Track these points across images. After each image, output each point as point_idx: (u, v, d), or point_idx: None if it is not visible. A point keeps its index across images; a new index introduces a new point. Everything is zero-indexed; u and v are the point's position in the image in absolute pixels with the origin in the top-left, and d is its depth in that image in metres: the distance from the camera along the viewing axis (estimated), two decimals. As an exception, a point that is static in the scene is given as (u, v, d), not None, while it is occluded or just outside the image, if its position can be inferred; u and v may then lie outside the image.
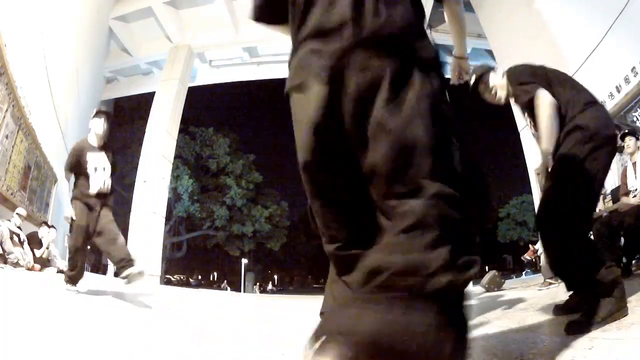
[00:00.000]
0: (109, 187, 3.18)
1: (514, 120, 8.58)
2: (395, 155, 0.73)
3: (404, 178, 0.73)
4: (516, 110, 8.46)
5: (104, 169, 3.15)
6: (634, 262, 3.26)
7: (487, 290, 4.52)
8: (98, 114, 3.26)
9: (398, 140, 0.73)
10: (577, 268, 1.60)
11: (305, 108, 0.79)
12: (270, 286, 34.20)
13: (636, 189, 3.26)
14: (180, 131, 12.33)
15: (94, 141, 3.21)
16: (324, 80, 0.76)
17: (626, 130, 3.56)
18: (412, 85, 0.76)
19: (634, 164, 3.38)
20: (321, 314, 1.18)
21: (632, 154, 3.43)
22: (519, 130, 8.34)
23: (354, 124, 0.76)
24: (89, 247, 3.27)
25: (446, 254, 0.67)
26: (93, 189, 3.07)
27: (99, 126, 3.20)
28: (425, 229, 0.68)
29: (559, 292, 3.23)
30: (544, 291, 3.57)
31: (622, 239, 3.20)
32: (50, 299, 2.81)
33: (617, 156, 3.70)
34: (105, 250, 3.03)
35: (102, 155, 3.19)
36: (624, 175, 3.48)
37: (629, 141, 3.44)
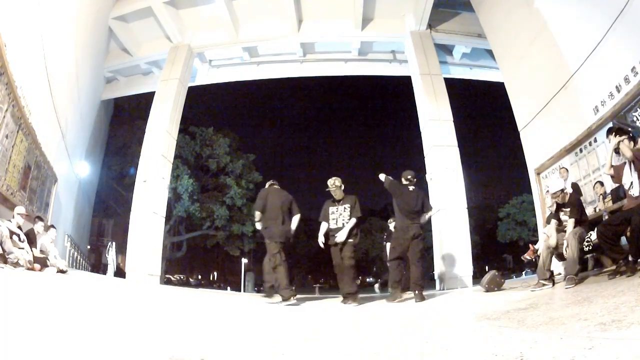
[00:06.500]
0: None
1: (514, 120, 8.57)
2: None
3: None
4: (517, 110, 8.49)
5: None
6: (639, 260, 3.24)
7: (487, 290, 4.53)
8: None
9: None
10: None
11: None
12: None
13: (633, 187, 3.28)
14: (180, 131, 12.32)
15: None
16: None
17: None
18: None
19: (632, 162, 3.38)
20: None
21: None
22: (519, 130, 8.32)
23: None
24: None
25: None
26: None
27: None
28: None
29: (555, 292, 3.23)
30: (544, 291, 3.58)
31: (627, 239, 3.19)
32: (48, 299, 2.81)
33: (615, 157, 3.70)
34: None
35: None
36: (623, 176, 3.49)
37: (624, 144, 3.45)
